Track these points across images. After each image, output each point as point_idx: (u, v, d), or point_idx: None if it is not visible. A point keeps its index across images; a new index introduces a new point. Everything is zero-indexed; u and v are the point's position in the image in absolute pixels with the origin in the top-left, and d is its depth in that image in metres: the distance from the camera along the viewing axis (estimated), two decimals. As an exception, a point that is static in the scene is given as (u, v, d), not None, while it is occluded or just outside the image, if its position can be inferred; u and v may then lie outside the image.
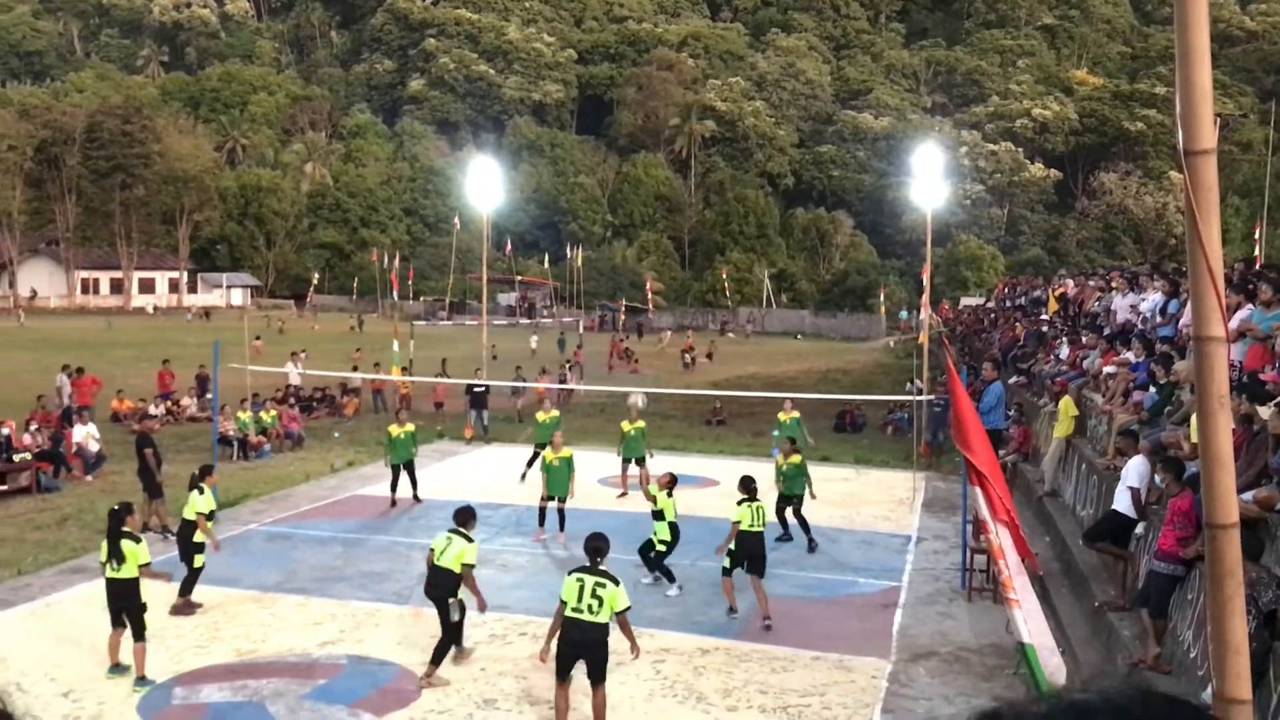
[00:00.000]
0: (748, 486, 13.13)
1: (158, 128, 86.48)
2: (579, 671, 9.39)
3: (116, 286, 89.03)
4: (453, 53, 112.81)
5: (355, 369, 33.56)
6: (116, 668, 10.68)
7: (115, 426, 25.64)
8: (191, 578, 12.81)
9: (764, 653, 11.63)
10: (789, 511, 16.51)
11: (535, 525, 16.72)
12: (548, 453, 16.91)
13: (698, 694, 10.49)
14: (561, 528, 16.41)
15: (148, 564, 10.83)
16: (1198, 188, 2.63)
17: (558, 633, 9.38)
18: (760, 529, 12.88)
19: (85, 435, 21.52)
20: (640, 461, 19.60)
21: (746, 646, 11.83)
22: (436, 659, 10.69)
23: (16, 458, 19.72)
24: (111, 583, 10.66)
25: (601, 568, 9.45)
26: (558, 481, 16.47)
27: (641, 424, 19.79)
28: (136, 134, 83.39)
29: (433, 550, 11.04)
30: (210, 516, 13.29)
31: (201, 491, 13.04)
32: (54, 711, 9.70)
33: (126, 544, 10.64)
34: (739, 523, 12.75)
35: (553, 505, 16.55)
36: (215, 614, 12.65)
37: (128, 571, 10.58)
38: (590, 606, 9.20)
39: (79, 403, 25.34)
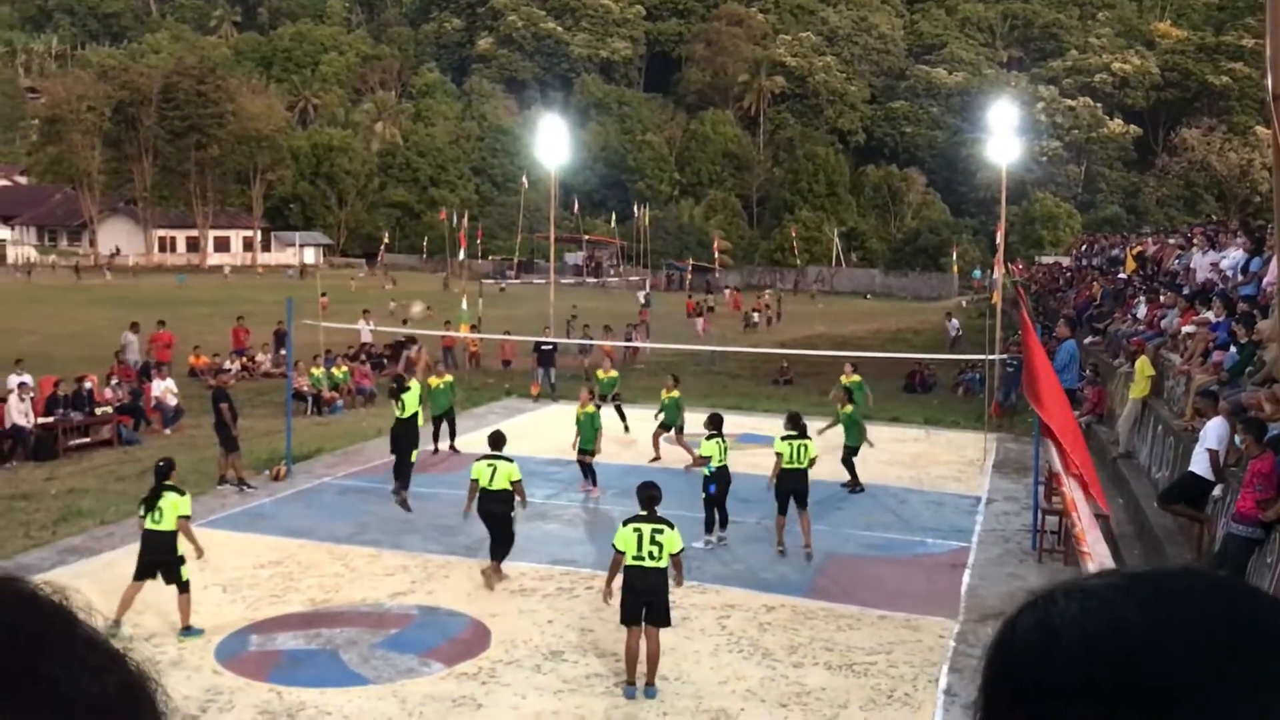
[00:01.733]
0: (795, 423, 13.52)
1: (231, 88, 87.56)
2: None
3: (192, 245, 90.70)
4: (521, 10, 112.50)
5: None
6: (188, 630, 10.63)
7: (192, 381, 26.21)
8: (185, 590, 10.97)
9: (830, 610, 11.62)
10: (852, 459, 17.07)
11: (590, 480, 16.90)
12: (577, 408, 17.39)
13: (763, 650, 10.52)
14: (594, 482, 16.72)
15: (188, 516, 10.94)
16: (1289, 132, 2.54)
17: (619, 581, 9.70)
18: (801, 466, 13.20)
19: (164, 390, 22.05)
20: (678, 430, 19.35)
21: (813, 604, 11.82)
22: (499, 559, 12.22)
23: (98, 411, 20.30)
24: (149, 534, 10.76)
25: (658, 514, 9.72)
26: (586, 436, 16.88)
27: (676, 393, 19.64)
28: (210, 94, 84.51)
29: (477, 480, 12.26)
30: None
31: (182, 492, 11.10)
32: (136, 657, 10.00)
33: (169, 495, 10.78)
34: (780, 455, 13.18)
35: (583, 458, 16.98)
36: (290, 565, 12.93)
37: (167, 524, 10.70)
38: (651, 553, 9.50)
39: (157, 358, 25.97)
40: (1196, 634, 0.73)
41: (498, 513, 12.28)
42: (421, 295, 32.40)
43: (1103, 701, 0.72)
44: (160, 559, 10.73)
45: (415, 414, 16.02)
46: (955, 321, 39.99)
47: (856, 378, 20.97)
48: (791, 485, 13.31)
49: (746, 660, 10.28)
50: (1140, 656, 0.73)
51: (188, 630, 10.67)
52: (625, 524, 9.75)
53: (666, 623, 9.68)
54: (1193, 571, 0.82)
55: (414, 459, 15.80)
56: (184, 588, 10.73)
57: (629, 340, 33.40)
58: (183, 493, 10.99)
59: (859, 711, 9.25)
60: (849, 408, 17.29)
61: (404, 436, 15.71)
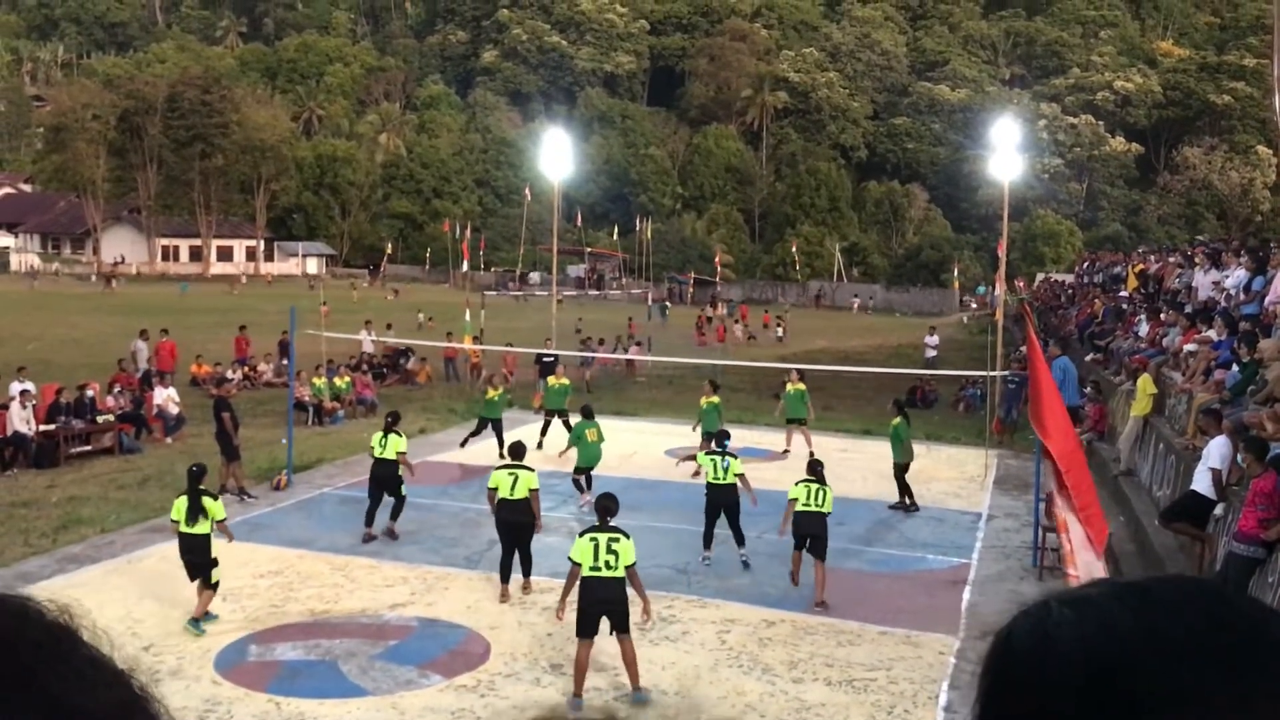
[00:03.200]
0: (814, 470, 13.04)
1: (236, 98, 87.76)
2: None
3: (195, 254, 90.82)
4: (526, 23, 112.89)
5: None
6: (198, 621, 11.09)
7: (194, 390, 26.22)
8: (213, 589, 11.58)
9: (830, 626, 11.60)
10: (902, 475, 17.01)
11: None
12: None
13: (763, 665, 10.50)
14: (585, 489, 16.83)
15: (223, 519, 11.57)
16: (1295, 153, 2.55)
17: (575, 593, 9.74)
18: (819, 509, 12.52)
19: (165, 398, 22.05)
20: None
21: (813, 619, 11.81)
22: (528, 573, 12.35)
23: (100, 419, 20.30)
24: (184, 537, 11.25)
25: (611, 524, 9.84)
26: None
27: (716, 399, 19.76)
28: (215, 104, 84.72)
29: (495, 489, 12.29)
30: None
31: (215, 497, 11.87)
32: (140, 676, 9.99)
33: (205, 500, 11.33)
34: (794, 500, 12.67)
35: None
36: (289, 575, 12.92)
37: (201, 528, 11.20)
38: (608, 563, 9.53)
39: (159, 367, 25.98)
40: (1190, 641, 0.74)
41: (521, 523, 12.19)
42: (422, 305, 32.45)
43: (1096, 707, 0.73)
44: (196, 559, 11.25)
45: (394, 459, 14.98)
46: (934, 339, 37.54)
47: (801, 385, 20.93)
48: (807, 529, 12.55)
49: (746, 675, 10.26)
50: (1134, 663, 0.74)
51: (195, 621, 10.99)
52: (581, 535, 9.84)
53: (627, 630, 9.71)
54: (1187, 580, 0.83)
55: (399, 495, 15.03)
56: (213, 587, 11.26)
57: (624, 352, 33.40)
58: (215, 497, 11.67)
59: (859, 728, 9.23)
60: (896, 420, 16.97)
61: (383, 479, 14.91)
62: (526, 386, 28.07)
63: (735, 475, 13.56)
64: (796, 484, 12.91)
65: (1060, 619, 0.79)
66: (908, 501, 16.99)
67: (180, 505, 11.34)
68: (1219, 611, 0.77)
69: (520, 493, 12.20)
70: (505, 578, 12.31)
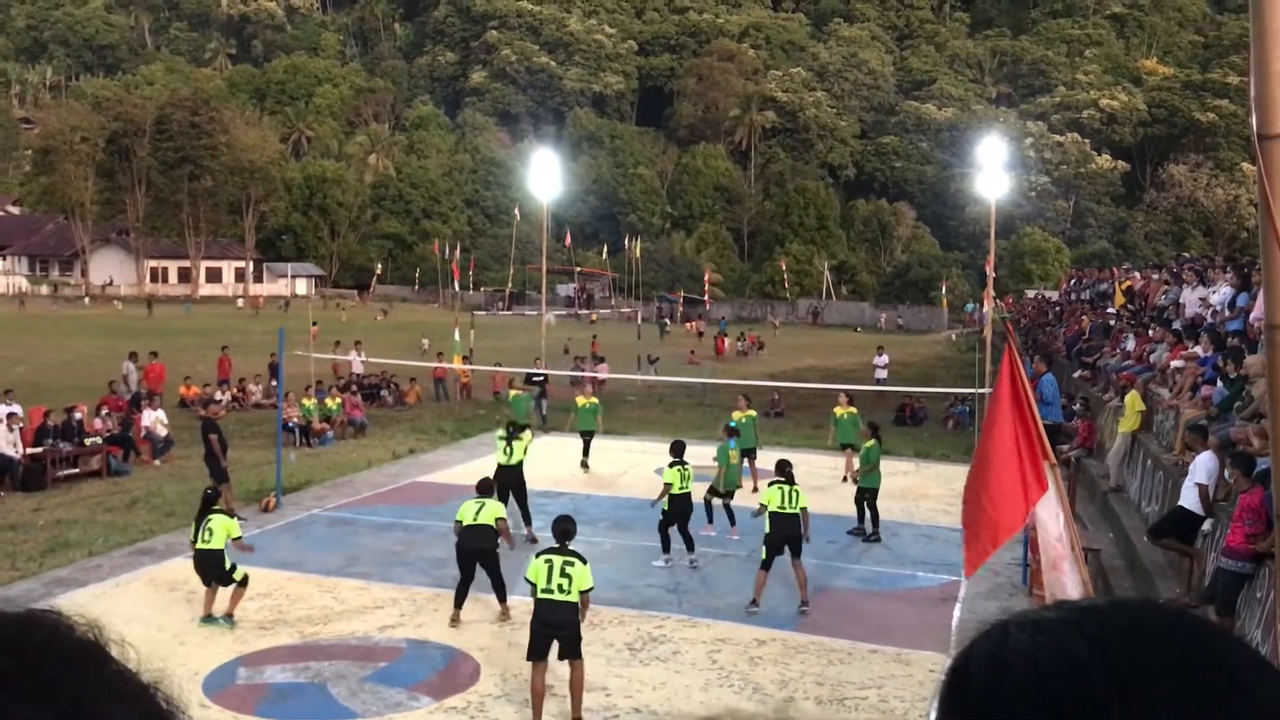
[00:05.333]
0: (782, 470, 13.15)
1: (225, 119, 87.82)
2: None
3: (184, 275, 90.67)
4: (514, 44, 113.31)
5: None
6: (209, 618, 11.72)
7: (182, 412, 26.14)
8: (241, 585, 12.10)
9: (821, 644, 11.59)
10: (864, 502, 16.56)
11: (592, 513, 16.82)
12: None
13: (754, 684, 10.48)
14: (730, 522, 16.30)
15: (239, 537, 12.04)
16: (1272, 171, 2.58)
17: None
18: (793, 511, 12.64)
19: (154, 420, 21.98)
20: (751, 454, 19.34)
21: (804, 638, 11.80)
22: (503, 597, 12.13)
23: (88, 441, 20.21)
24: (200, 553, 11.83)
25: (570, 548, 9.59)
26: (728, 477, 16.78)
27: (753, 412, 19.76)
28: (204, 125, 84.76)
29: (460, 521, 12.04)
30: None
31: (231, 515, 12.58)
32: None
33: (218, 518, 11.88)
34: (765, 505, 12.70)
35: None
36: (279, 597, 12.86)
37: (215, 543, 11.71)
38: (560, 586, 9.32)
39: (148, 389, 25.89)
40: (1146, 672, 0.74)
41: (485, 550, 11.93)
42: (422, 328, 32.45)
43: None
44: (213, 573, 11.80)
45: (521, 461, 16.11)
46: (883, 358, 35.21)
47: (752, 412, 20.16)
48: (785, 533, 12.58)
49: (737, 695, 10.24)
50: (1085, 693, 0.73)
51: (214, 618, 11.69)
52: (537, 556, 9.68)
53: (578, 656, 9.51)
54: (1147, 604, 0.83)
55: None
56: (241, 583, 11.88)
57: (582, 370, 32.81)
58: (231, 515, 12.13)
59: (850, 746, 9.21)
60: (870, 443, 16.64)
61: (510, 484, 15.81)
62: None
63: (803, 506, 12.88)
64: (769, 485, 12.96)
65: (1017, 644, 0.79)
66: (869, 530, 16.43)
67: (195, 525, 12.07)
68: (1178, 639, 0.76)
69: (484, 519, 11.91)
70: (458, 602, 12.02)
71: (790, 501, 12.67)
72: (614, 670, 10.75)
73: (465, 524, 11.99)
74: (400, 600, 12.84)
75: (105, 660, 0.80)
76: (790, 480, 12.92)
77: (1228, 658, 0.76)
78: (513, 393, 23.58)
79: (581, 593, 9.38)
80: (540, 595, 9.40)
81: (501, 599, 12.21)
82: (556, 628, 9.40)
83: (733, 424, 18.05)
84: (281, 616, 12.17)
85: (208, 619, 11.76)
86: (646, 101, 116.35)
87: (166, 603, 12.47)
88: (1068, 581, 7.45)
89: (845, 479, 19.66)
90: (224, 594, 11.95)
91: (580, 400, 21.98)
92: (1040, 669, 0.76)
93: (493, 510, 12.08)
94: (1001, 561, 15.12)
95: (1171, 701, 0.72)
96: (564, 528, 9.85)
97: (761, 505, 12.87)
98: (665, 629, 11.97)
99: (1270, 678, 0.75)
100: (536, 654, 9.44)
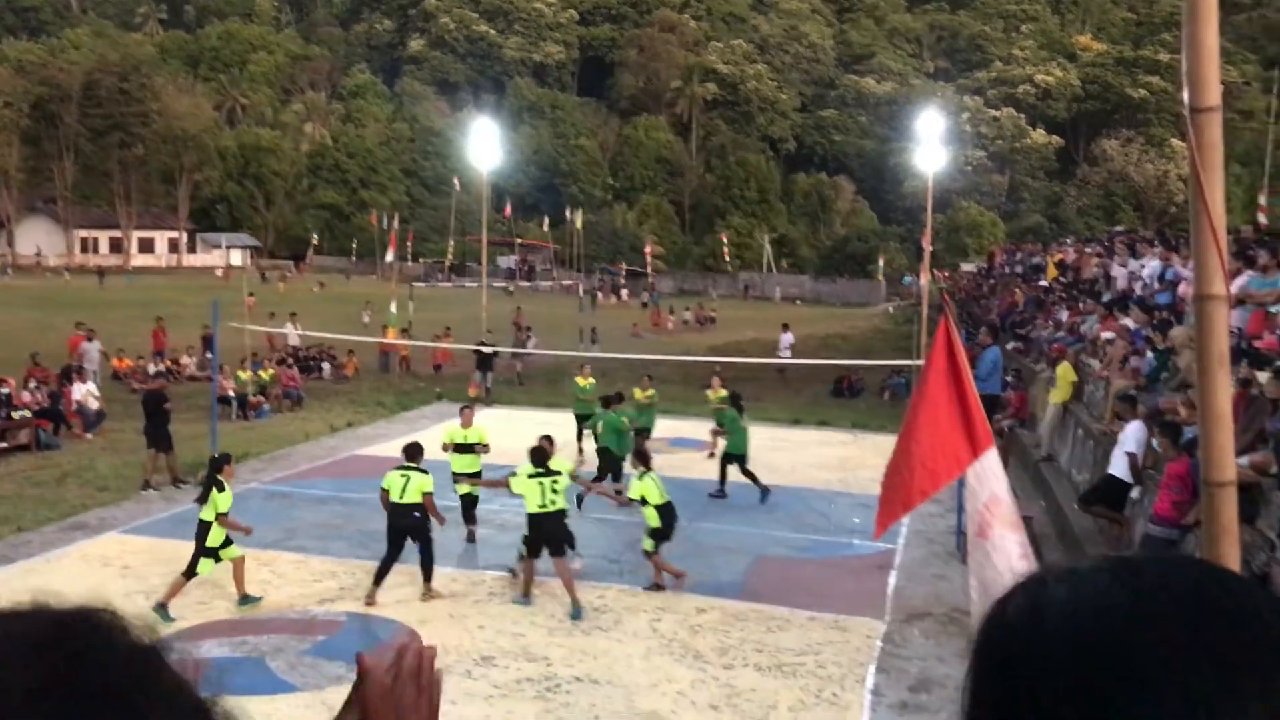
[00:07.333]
0: (541, 458, 11.99)
1: (156, 86, 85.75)
2: None
3: (116, 246, 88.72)
4: (453, 12, 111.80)
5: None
6: (245, 599, 11.64)
7: (114, 384, 25.64)
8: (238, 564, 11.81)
9: (760, 612, 11.72)
10: (735, 468, 16.91)
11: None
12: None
13: (694, 652, 10.58)
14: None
15: (225, 514, 11.59)
16: (1202, 145, 2.63)
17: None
18: (556, 509, 11.78)
19: (85, 393, 21.56)
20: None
21: (743, 606, 11.92)
22: (429, 576, 12.03)
23: (16, 415, 19.77)
24: (200, 523, 11.65)
25: (551, 467, 11.86)
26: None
27: (724, 391, 19.50)
28: (134, 92, 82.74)
29: (387, 490, 11.93)
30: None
31: (221, 488, 11.72)
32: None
33: (214, 492, 11.67)
34: (526, 496, 11.83)
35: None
36: (216, 571, 12.70)
37: (205, 514, 11.61)
38: (552, 500, 11.64)
39: (79, 361, 25.31)
40: (1182, 620, 0.75)
41: (413, 525, 11.85)
42: (364, 298, 32.04)
43: (1086, 682, 0.74)
44: (197, 544, 11.57)
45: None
46: (788, 336, 34.08)
47: (651, 391, 19.95)
48: (548, 530, 11.75)
49: (678, 663, 10.33)
50: (1124, 640, 0.75)
51: (245, 598, 11.63)
52: (529, 478, 11.76)
53: (563, 554, 11.70)
54: (1181, 558, 0.86)
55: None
56: (188, 574, 11.51)
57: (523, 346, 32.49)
58: (223, 489, 11.70)
59: (788, 712, 9.35)
60: (730, 410, 17.21)
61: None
62: (460, 379, 27.92)
63: (562, 504, 12.04)
64: (528, 476, 11.85)
65: (1054, 594, 0.81)
66: (723, 490, 16.82)
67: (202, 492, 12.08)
68: (1215, 593, 0.78)
69: (411, 496, 11.80)
70: (378, 580, 11.79)
71: (549, 497, 11.77)
72: (556, 640, 10.80)
73: (393, 500, 11.88)
74: (339, 573, 12.76)
75: (162, 666, 0.75)
76: (549, 470, 11.89)
77: (1259, 607, 0.77)
78: (711, 394, 20.45)
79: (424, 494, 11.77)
80: (537, 510, 11.58)
81: (427, 578, 11.98)
82: (551, 534, 11.62)
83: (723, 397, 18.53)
84: (219, 591, 12.04)
85: (244, 599, 11.61)
86: (587, 72, 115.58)
87: (100, 578, 12.27)
88: (1002, 548, 7.55)
89: (710, 455, 18.90)
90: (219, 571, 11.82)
91: (580, 381, 20.79)
92: (1077, 617, 0.78)
93: (419, 484, 11.90)
94: (937, 529, 15.40)
95: (1205, 645, 0.73)
96: (542, 449, 11.93)
97: (520, 495, 11.97)
98: (607, 599, 12.03)
99: None
100: (535, 553, 11.76)
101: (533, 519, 11.80)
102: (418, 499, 11.85)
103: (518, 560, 12.34)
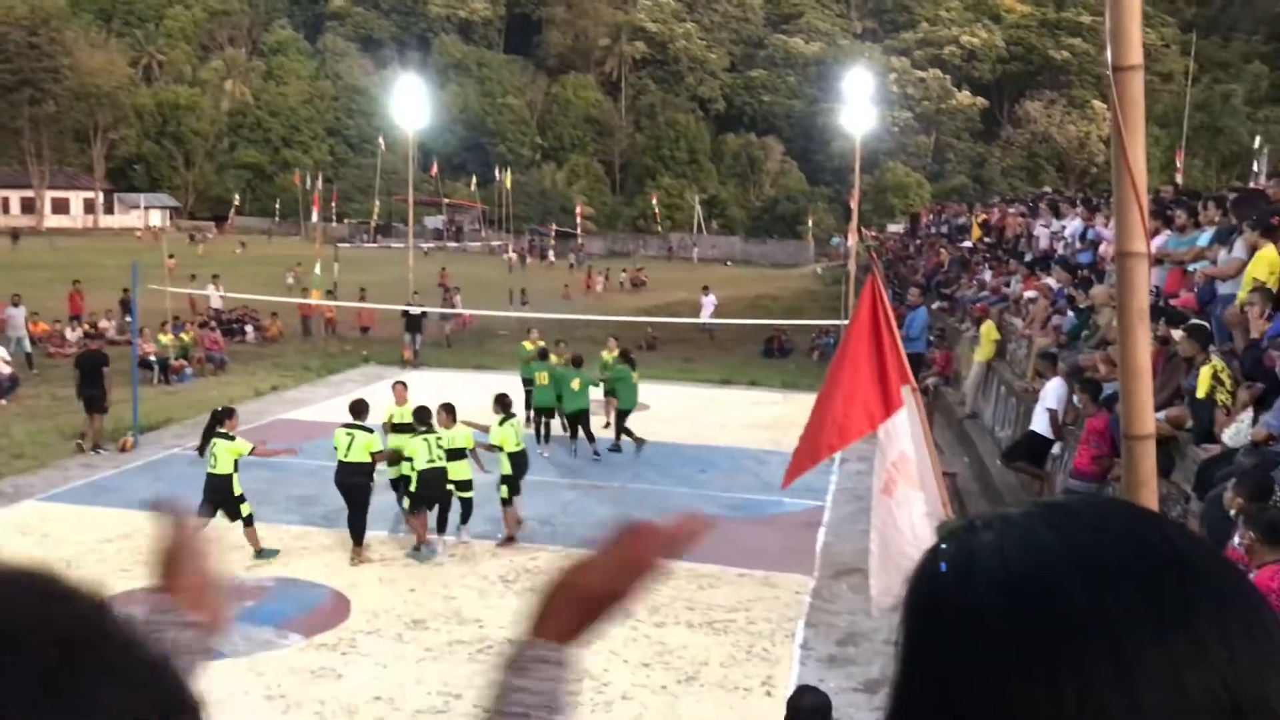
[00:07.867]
0: (422, 417, 12.53)
1: (67, 40, 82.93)
2: None
3: (29, 206, 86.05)
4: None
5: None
6: (261, 553, 11.86)
7: (32, 349, 24.92)
8: (249, 524, 11.99)
9: (691, 570, 11.81)
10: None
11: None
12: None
13: (625, 610, 10.63)
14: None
15: (244, 453, 11.97)
16: (1124, 102, 2.66)
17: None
18: (439, 465, 12.18)
19: (-2, 358, 20.95)
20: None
21: (673, 564, 11.99)
22: (359, 539, 12.04)
23: (-74, 381, 19.19)
24: (209, 478, 11.83)
25: (433, 426, 12.33)
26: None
27: (616, 352, 19.44)
28: (44, 47, 79.96)
29: (336, 449, 12.09)
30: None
31: (232, 438, 11.94)
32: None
33: (221, 443, 11.82)
34: (411, 458, 12.17)
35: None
36: (138, 538, 12.46)
37: (221, 468, 11.74)
38: (439, 456, 12.07)
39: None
40: (1115, 563, 0.76)
41: (355, 484, 12.04)
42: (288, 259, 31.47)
43: (1018, 627, 0.74)
44: (220, 499, 11.72)
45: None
46: (711, 298, 34.39)
47: (617, 352, 19.52)
48: (434, 485, 12.18)
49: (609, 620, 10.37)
50: (1054, 580, 0.75)
51: (260, 553, 11.80)
52: (414, 436, 12.28)
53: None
54: (1113, 501, 0.86)
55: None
56: (248, 522, 11.84)
57: (451, 306, 32.14)
58: (233, 438, 11.95)
59: (719, 668, 9.46)
60: (622, 366, 17.74)
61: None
62: (387, 341, 27.60)
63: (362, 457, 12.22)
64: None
65: (984, 540, 0.81)
66: (635, 439, 17.32)
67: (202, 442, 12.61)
68: (1144, 534, 0.79)
69: (356, 455, 11.92)
70: (358, 538, 12.06)
71: (351, 449, 12.05)
72: (488, 603, 10.80)
73: (339, 458, 12.07)
74: (266, 538, 12.58)
75: (110, 630, 0.70)
76: (431, 429, 12.36)
77: (1184, 546, 0.78)
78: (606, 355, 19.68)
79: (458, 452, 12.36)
80: (426, 465, 11.89)
81: (357, 541, 11.98)
82: (438, 487, 12.07)
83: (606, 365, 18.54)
84: (142, 558, 11.81)
85: (260, 553, 11.80)
86: (514, 29, 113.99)
87: (19, 548, 11.98)
88: (905, 506, 7.65)
89: (606, 425, 18.11)
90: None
91: (528, 345, 20.33)
92: (1008, 561, 0.78)
93: (364, 443, 12.06)
94: (865, 486, 15.59)
95: (1134, 585, 0.74)
96: (423, 413, 12.44)
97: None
98: (539, 560, 12.04)
99: (1221, 564, 0.78)
100: (427, 506, 12.16)
101: (421, 476, 12.15)
102: (363, 458, 11.97)
103: (404, 515, 12.74)
